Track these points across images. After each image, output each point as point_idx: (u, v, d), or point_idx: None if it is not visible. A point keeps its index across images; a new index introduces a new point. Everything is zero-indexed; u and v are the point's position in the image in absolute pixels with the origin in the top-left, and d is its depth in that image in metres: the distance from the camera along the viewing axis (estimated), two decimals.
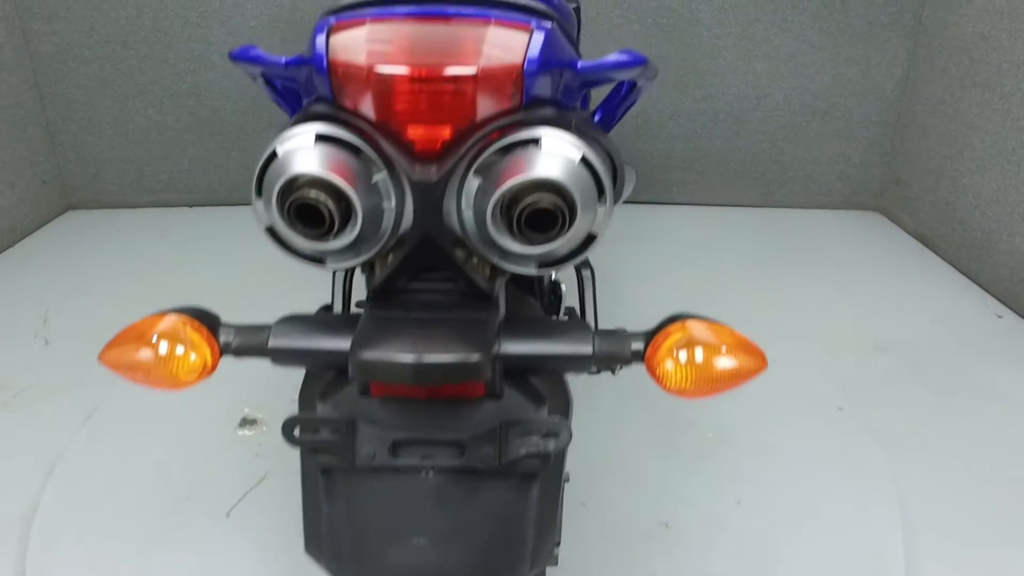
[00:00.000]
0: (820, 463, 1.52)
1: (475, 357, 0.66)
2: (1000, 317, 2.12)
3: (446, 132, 0.71)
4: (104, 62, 2.55)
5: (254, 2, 2.49)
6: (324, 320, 0.75)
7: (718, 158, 2.77)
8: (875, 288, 2.27)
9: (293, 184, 0.65)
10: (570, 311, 1.26)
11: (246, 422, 1.61)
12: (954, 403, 1.72)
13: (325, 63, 0.71)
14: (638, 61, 0.79)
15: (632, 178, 1.74)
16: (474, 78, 0.69)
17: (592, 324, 1.07)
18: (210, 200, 2.79)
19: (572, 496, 1.40)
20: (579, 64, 0.78)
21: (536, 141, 0.68)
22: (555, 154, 0.67)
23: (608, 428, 1.61)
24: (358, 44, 0.71)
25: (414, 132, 0.71)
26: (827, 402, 1.71)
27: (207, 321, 0.72)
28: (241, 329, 0.73)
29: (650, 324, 0.73)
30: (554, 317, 1.22)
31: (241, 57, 0.85)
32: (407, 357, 0.65)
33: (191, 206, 2.79)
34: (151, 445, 1.54)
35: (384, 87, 0.69)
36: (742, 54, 2.61)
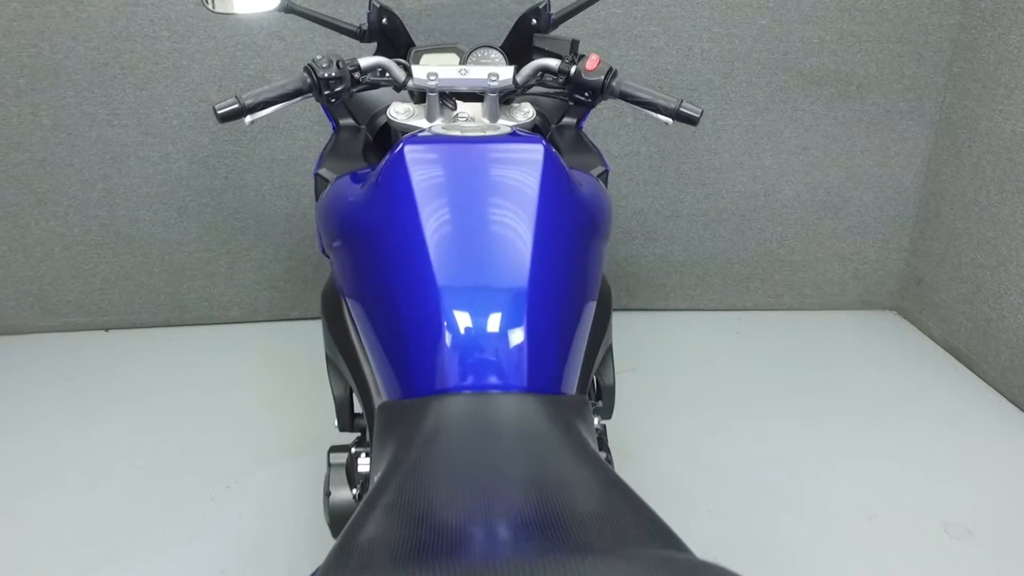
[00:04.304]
0: None
1: None
2: None
3: None
4: None
5: (175, 97, 2.07)
6: None
7: (722, 260, 2.45)
8: (917, 423, 1.95)
9: None
10: None
11: None
12: None
13: None
14: None
15: None
16: None
17: None
18: (130, 323, 2.34)
19: None
20: None
21: None
22: None
23: None
24: None
25: None
26: None
27: None
28: None
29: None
30: None
31: None
32: None
33: (107, 330, 2.34)
34: None
35: None
36: (749, 147, 2.29)
